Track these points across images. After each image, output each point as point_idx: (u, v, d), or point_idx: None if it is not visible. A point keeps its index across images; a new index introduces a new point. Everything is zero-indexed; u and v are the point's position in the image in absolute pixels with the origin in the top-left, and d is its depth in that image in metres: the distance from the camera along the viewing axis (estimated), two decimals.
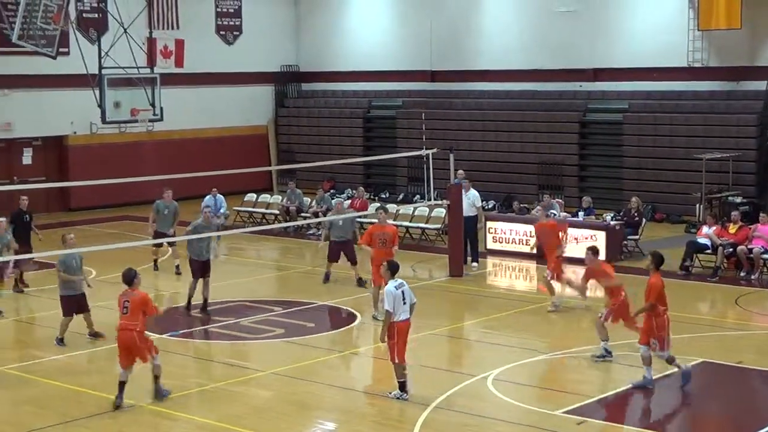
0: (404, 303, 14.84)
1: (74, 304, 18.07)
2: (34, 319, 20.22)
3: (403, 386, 14.86)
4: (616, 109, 33.05)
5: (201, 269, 20.22)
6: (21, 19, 29.51)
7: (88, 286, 18.41)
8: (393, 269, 15.03)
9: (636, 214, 25.94)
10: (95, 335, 18.25)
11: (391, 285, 14.85)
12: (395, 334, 14.74)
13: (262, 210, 31.72)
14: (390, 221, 26.38)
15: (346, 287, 21.63)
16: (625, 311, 16.26)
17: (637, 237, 25.61)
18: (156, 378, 15.02)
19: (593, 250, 17.16)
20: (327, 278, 22.67)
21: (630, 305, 16.29)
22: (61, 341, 17.94)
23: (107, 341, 18.09)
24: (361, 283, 22.02)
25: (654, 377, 15.29)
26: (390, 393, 14.94)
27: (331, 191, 35.01)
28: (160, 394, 14.95)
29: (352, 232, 23.01)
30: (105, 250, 21.52)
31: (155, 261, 24.38)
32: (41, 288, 22.70)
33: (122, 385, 14.71)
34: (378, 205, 23.18)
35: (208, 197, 30.87)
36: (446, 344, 18.62)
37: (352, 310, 20.16)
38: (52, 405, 14.90)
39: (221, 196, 30.93)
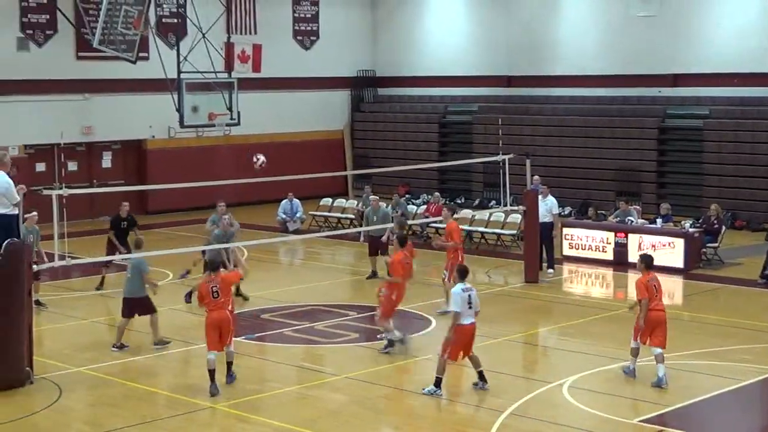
0: (470, 307, 15.08)
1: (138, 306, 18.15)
2: (112, 320, 20.41)
3: (438, 383, 15.06)
4: (696, 115, 32.58)
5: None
6: (102, 25, 29.95)
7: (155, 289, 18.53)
8: (462, 273, 15.47)
9: (715, 222, 25.54)
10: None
11: (458, 287, 15.11)
12: (456, 335, 14.98)
13: (338, 214, 31.79)
14: (464, 226, 26.52)
15: (421, 292, 21.52)
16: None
17: (716, 245, 25.21)
18: (230, 364, 15.78)
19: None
20: (373, 275, 23.39)
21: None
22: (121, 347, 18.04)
23: (179, 344, 18.25)
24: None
25: (727, 389, 15.04)
26: (424, 389, 15.12)
27: (407, 196, 34.98)
28: (230, 378, 15.77)
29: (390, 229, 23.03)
30: (179, 254, 21.74)
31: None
32: (117, 290, 22.93)
33: (212, 373, 15.32)
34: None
35: (284, 201, 31.09)
36: (521, 351, 18.47)
37: (427, 315, 20.07)
38: (129, 405, 15.03)
39: (297, 200, 31.13)
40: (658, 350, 15.48)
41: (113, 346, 17.97)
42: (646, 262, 16.33)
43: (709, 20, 32.61)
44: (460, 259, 20.19)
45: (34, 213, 20.50)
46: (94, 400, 15.43)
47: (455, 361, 15.27)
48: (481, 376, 15.40)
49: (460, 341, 15.07)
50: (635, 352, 15.97)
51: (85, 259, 21.55)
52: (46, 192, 17.17)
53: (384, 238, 23.52)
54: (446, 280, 20.15)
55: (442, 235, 22.90)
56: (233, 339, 15.87)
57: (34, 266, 16.99)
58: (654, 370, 15.43)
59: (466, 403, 15.11)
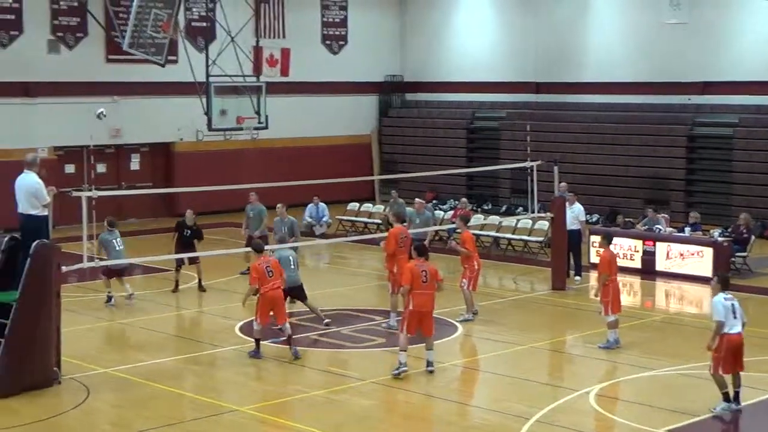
0: (735, 317, 14.57)
1: None
2: (137, 322, 20.48)
3: (726, 397, 14.59)
4: (726, 123, 32.38)
5: None
6: (132, 28, 30.09)
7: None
8: (723, 282, 14.90)
9: (745, 231, 25.39)
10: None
11: (720, 296, 14.67)
12: (723, 346, 14.47)
13: (365, 219, 31.79)
14: (484, 231, 26.59)
15: (447, 298, 21.45)
16: None
17: (745, 254, 25.06)
18: (290, 337, 17.33)
19: None
20: None
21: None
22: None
23: (206, 347, 18.30)
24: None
25: (756, 400, 15.00)
26: (715, 408, 14.59)
27: (434, 201, 34.94)
28: (295, 354, 17.20)
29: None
30: (207, 257, 21.83)
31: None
32: (144, 291, 23.03)
33: (258, 342, 17.31)
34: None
35: (310, 205, 31.10)
36: (548, 358, 18.40)
37: (453, 321, 20.03)
38: (155, 407, 15.07)
39: (323, 204, 31.13)
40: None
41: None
42: (608, 238, 17.95)
43: (740, 28, 32.43)
44: (476, 267, 20.17)
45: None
46: (121, 401, 15.48)
47: (726, 374, 14.55)
48: (736, 396, 14.69)
49: (727, 352, 14.44)
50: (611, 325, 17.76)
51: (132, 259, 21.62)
52: (75, 194, 17.26)
53: (426, 243, 23.53)
54: (465, 288, 20.14)
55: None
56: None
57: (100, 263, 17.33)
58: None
59: (491, 410, 15.05)
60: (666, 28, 33.47)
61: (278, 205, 23.67)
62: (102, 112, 22.45)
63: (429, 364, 16.39)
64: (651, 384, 16.52)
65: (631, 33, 34.80)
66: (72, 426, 14.37)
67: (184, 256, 22.24)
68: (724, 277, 15.08)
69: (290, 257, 19.16)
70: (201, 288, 22.81)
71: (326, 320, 19.48)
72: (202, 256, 22.40)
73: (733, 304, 14.58)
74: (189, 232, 23.05)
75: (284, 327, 17.38)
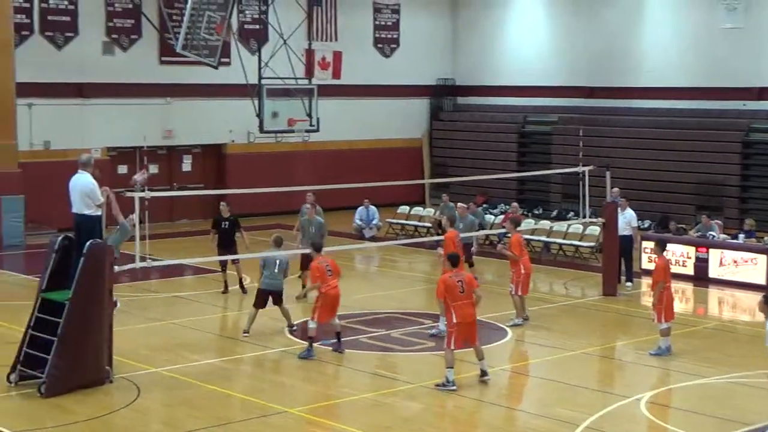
0: None
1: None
2: (187, 322, 20.60)
3: None
4: None
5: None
6: (185, 30, 30.29)
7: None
8: None
9: None
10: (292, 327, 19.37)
11: None
12: None
13: (415, 222, 31.77)
14: (535, 236, 26.50)
15: (495, 302, 21.38)
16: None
17: None
18: (338, 334, 17.80)
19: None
20: None
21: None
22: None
23: (255, 348, 18.37)
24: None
25: None
26: None
27: (484, 205, 34.85)
28: (340, 348, 17.73)
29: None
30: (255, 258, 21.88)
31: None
32: (196, 292, 23.17)
33: (312, 339, 17.43)
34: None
35: (360, 208, 31.15)
36: (598, 364, 18.26)
37: (503, 326, 19.95)
38: (205, 407, 15.13)
39: (373, 207, 31.17)
40: None
41: (244, 332, 18.95)
42: (662, 245, 18.09)
43: None
44: (523, 271, 20.04)
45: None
46: (171, 401, 15.57)
47: None
48: None
49: None
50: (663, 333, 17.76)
51: (165, 261, 21.75)
52: (128, 194, 17.39)
53: (474, 249, 23.51)
54: (512, 293, 20.05)
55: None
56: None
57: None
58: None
59: (540, 415, 14.96)
60: (721, 32, 33.17)
61: (306, 205, 23.20)
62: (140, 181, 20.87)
63: (484, 373, 16.07)
64: (703, 392, 16.34)
65: (685, 37, 34.50)
66: (123, 425, 14.46)
67: (231, 257, 21.98)
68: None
69: (277, 261, 19.00)
70: (243, 289, 22.64)
71: (294, 327, 19.27)
72: (253, 257, 22.35)
73: None
74: (227, 224, 22.79)
75: (334, 322, 17.77)
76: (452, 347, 15.79)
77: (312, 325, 17.54)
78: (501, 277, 23.80)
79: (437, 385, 15.78)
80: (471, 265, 22.73)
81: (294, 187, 25.35)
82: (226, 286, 22.89)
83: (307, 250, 19.64)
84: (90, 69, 32.63)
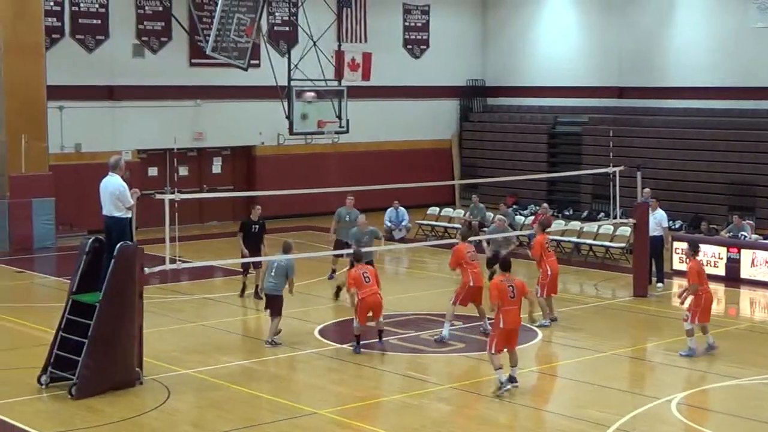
0: None
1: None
2: (220, 323, 20.66)
3: None
4: None
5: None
6: (215, 32, 30.33)
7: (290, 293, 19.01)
8: None
9: None
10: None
11: None
12: None
13: (445, 224, 31.73)
14: (565, 237, 26.41)
15: (525, 303, 21.28)
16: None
17: None
18: (380, 332, 18.41)
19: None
20: None
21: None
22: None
23: (285, 350, 18.39)
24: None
25: None
26: None
27: (514, 206, 34.76)
28: (380, 343, 18.31)
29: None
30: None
31: (333, 270, 24.39)
32: (226, 294, 23.22)
33: (359, 338, 18.05)
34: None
35: (390, 209, 31.13)
36: (628, 365, 18.17)
37: (533, 327, 19.88)
38: (234, 409, 15.16)
39: (403, 208, 31.14)
40: None
41: (266, 342, 18.70)
42: (694, 248, 17.88)
43: None
44: (548, 273, 19.93)
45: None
46: (201, 402, 15.61)
47: None
48: None
49: None
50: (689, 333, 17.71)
51: (196, 262, 21.80)
52: (158, 196, 17.45)
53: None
54: (537, 294, 19.96)
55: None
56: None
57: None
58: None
59: (570, 416, 14.91)
60: (753, 31, 32.94)
61: (361, 216, 23.21)
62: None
63: (513, 379, 15.90)
64: (735, 393, 16.23)
65: (716, 37, 34.28)
66: (153, 426, 14.51)
67: (260, 259, 21.70)
68: None
69: (275, 264, 18.72)
70: (257, 295, 22.09)
71: (277, 337, 18.75)
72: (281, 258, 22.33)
73: None
74: (257, 227, 22.64)
75: (378, 321, 18.37)
76: (493, 351, 15.71)
77: (355, 323, 18.20)
78: (531, 278, 23.70)
79: (494, 392, 15.60)
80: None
81: (323, 189, 25.38)
82: (243, 289, 22.76)
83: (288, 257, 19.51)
84: (120, 71, 32.79)
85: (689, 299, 17.99)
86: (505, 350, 15.94)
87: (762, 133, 32.51)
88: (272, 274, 18.75)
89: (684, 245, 25.56)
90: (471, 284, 19.06)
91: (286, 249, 19.08)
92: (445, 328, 19.02)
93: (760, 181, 32.04)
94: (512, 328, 15.86)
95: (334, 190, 24.50)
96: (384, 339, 18.60)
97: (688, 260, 19.21)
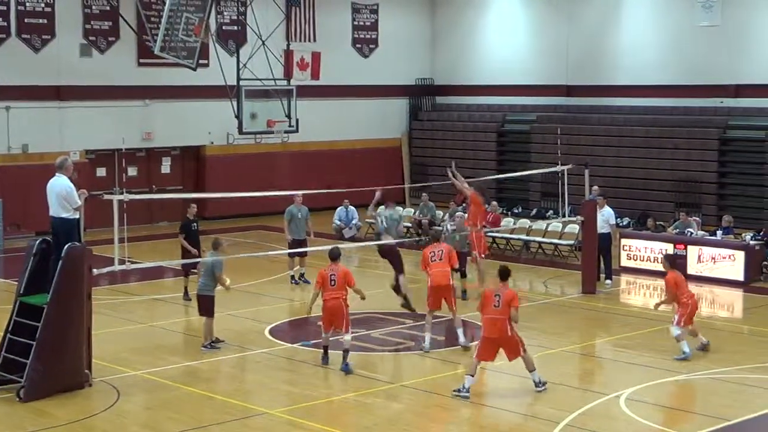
0: None
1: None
2: (167, 325, 20.57)
3: None
4: (759, 126, 32.12)
5: None
6: (163, 32, 30.14)
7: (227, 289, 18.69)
8: None
9: None
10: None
11: None
12: None
13: None
14: (514, 235, 26.65)
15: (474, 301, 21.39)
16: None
17: None
18: (346, 352, 16.89)
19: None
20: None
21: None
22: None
23: (236, 350, 18.34)
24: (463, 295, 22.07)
25: None
26: None
27: (464, 205, 34.84)
28: (346, 368, 16.76)
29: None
30: (236, 259, 21.83)
31: (292, 276, 24.36)
32: (174, 294, 23.10)
33: (326, 348, 17.18)
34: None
35: (340, 209, 31.15)
36: (578, 362, 18.34)
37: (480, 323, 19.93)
38: (185, 409, 15.12)
39: (353, 207, 31.16)
40: None
41: (203, 346, 18.36)
42: (670, 260, 18.22)
43: None
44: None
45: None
46: (151, 404, 15.55)
47: None
48: None
49: None
50: (680, 338, 17.60)
51: (145, 263, 21.69)
52: (106, 197, 17.34)
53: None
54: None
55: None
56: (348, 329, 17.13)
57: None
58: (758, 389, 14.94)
59: (520, 413, 15.03)
60: (698, 30, 33.31)
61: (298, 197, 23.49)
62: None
63: (537, 384, 15.76)
64: (683, 388, 16.45)
65: (662, 35, 34.63)
66: (104, 428, 14.42)
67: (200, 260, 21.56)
68: None
69: (208, 263, 18.44)
70: (186, 296, 22.15)
71: (222, 343, 18.65)
72: (237, 258, 22.25)
73: None
74: (195, 225, 22.51)
75: (344, 337, 17.09)
76: (476, 357, 15.65)
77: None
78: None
79: (454, 391, 15.58)
80: (464, 275, 22.65)
81: (272, 192, 25.26)
82: (186, 292, 22.46)
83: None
84: (67, 71, 32.50)
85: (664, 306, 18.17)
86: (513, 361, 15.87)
87: (708, 131, 32.87)
88: (201, 273, 18.58)
89: (631, 242, 25.88)
90: (429, 284, 18.85)
91: (215, 246, 18.72)
92: (461, 334, 18.54)
93: (707, 178, 32.40)
94: (492, 337, 15.56)
95: (282, 193, 24.62)
96: (334, 338, 18.60)
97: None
